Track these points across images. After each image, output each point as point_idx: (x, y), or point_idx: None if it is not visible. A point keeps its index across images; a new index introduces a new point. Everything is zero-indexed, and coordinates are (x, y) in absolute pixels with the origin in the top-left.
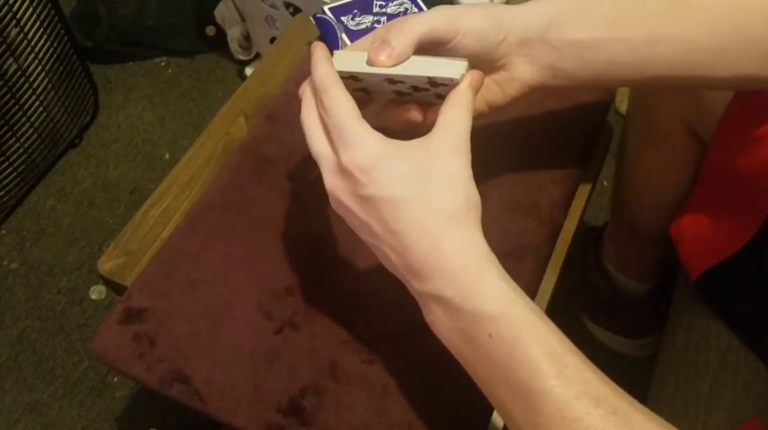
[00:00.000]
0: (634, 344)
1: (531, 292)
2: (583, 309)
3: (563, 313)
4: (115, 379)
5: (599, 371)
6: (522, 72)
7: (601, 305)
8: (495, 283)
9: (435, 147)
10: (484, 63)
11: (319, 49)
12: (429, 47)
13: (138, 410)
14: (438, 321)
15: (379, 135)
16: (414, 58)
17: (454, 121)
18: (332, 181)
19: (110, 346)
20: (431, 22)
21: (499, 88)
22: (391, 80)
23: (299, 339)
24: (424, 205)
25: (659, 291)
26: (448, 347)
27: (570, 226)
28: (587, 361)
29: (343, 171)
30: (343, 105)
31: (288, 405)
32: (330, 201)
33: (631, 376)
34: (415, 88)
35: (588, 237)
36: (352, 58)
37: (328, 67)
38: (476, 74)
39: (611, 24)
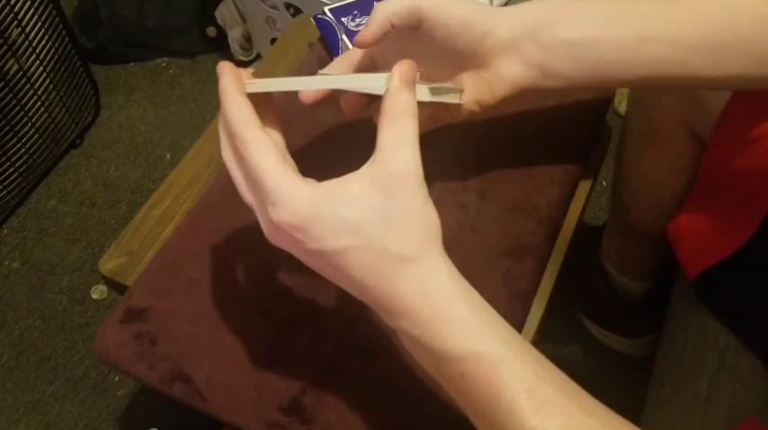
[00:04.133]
0: (632, 344)
1: (530, 292)
2: (582, 308)
3: (562, 313)
4: (116, 378)
5: (582, 397)
6: (511, 70)
7: (599, 304)
8: (461, 320)
9: (378, 180)
10: (470, 56)
11: (226, 75)
12: (411, 30)
13: (140, 409)
14: (411, 352)
15: (308, 182)
16: (340, 76)
17: (393, 141)
18: (271, 233)
19: (111, 346)
20: None
21: (488, 86)
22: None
23: (299, 338)
24: (373, 250)
25: (658, 291)
26: None
27: (569, 226)
28: (568, 387)
29: (276, 228)
30: (261, 154)
31: (288, 404)
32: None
33: (630, 375)
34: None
35: (587, 236)
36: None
37: (238, 100)
38: (404, 64)
39: (601, 23)
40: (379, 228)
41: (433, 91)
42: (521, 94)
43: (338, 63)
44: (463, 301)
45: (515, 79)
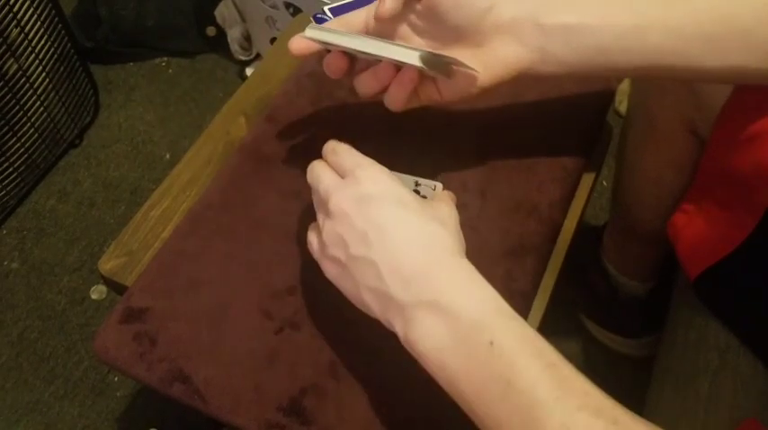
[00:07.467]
0: (634, 344)
1: (531, 292)
2: (582, 308)
3: (563, 313)
4: (116, 378)
5: (593, 383)
6: (509, 52)
7: (600, 305)
8: (492, 294)
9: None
10: (470, 33)
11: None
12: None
13: (139, 410)
14: (428, 335)
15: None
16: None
17: (444, 208)
18: (337, 198)
19: (110, 346)
20: None
21: (483, 66)
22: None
23: (299, 339)
24: (419, 223)
25: (659, 291)
26: (433, 369)
27: (570, 226)
28: (581, 372)
29: (347, 175)
30: (353, 155)
31: (288, 404)
32: (319, 247)
33: (631, 376)
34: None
35: (588, 236)
36: (325, 30)
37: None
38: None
39: (600, 10)
40: (426, 218)
41: (426, 60)
42: (517, 78)
43: (333, 24)
44: (494, 294)
45: (512, 61)
